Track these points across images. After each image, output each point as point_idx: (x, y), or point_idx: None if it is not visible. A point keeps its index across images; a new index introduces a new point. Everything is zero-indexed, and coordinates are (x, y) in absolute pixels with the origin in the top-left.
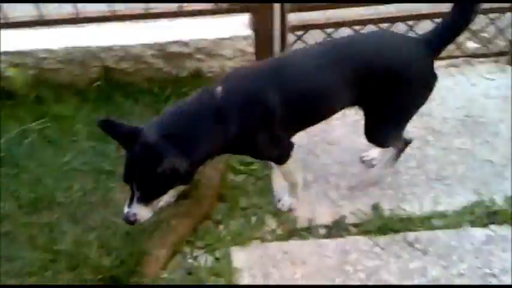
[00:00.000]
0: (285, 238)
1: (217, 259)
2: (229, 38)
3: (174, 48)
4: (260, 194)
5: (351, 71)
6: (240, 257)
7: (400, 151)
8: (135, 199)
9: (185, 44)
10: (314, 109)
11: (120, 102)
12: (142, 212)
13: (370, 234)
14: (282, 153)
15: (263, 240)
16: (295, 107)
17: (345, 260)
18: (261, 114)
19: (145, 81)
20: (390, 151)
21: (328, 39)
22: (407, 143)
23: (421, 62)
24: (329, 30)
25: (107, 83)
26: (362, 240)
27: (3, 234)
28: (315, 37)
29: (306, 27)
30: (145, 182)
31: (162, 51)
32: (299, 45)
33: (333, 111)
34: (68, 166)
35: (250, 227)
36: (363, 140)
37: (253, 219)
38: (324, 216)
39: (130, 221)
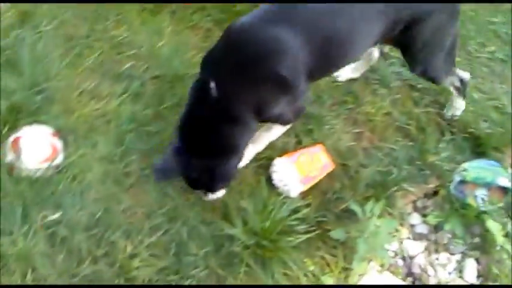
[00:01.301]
0: None
1: None
2: None
3: None
4: None
5: None
6: None
7: (460, 90)
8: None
9: None
10: (344, 48)
11: None
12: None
13: None
14: (296, 112)
15: None
16: (324, 48)
17: None
18: (280, 75)
19: None
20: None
21: None
22: (463, 80)
23: None
24: None
25: None
26: None
27: None
28: None
29: None
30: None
31: None
32: None
33: (366, 47)
34: None
35: None
36: None
37: None
38: None
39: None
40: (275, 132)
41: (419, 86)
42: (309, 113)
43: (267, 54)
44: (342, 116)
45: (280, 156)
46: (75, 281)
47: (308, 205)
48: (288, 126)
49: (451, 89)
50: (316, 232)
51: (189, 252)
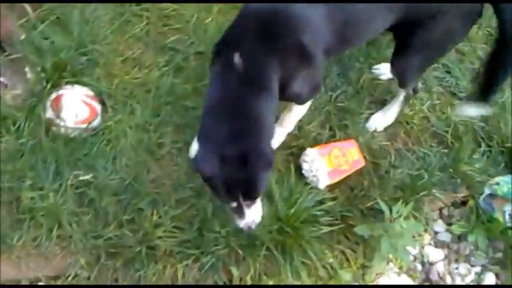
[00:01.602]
0: None
1: None
2: None
3: None
4: None
5: None
6: None
7: (408, 97)
8: (245, 208)
9: None
10: (360, 30)
11: None
12: (257, 214)
13: None
14: (313, 88)
15: None
16: (342, 28)
17: None
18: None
19: None
20: (401, 94)
21: None
22: (416, 91)
23: None
24: None
25: None
26: None
27: None
28: None
29: None
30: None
31: None
32: None
33: (378, 31)
34: None
35: None
36: None
37: None
38: None
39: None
40: (296, 112)
41: (461, 94)
42: (346, 107)
43: (291, 24)
44: None
45: (312, 146)
46: (98, 243)
47: (334, 198)
48: (307, 105)
49: (402, 95)
50: (340, 226)
51: (211, 229)
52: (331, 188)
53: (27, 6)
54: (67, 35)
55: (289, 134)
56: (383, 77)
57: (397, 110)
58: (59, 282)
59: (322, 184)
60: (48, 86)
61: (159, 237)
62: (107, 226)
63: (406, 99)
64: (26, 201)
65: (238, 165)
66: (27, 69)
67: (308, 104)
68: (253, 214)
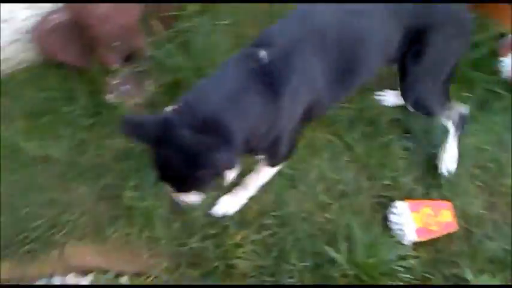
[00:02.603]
0: None
1: None
2: None
3: None
4: None
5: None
6: None
7: (458, 125)
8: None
9: None
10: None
11: None
12: (192, 198)
13: None
14: (290, 148)
15: None
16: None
17: None
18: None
19: None
20: (450, 128)
21: None
22: (463, 116)
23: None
24: None
25: None
26: None
27: None
28: None
29: None
30: (185, 185)
31: None
32: None
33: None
34: None
35: None
36: None
37: None
38: None
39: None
40: (265, 174)
41: None
42: None
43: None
44: (479, 180)
45: (404, 200)
46: (182, 250)
47: (417, 257)
48: (275, 169)
49: (449, 125)
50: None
51: (288, 261)
52: (416, 245)
53: (158, 26)
54: (188, 57)
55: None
56: (387, 104)
57: (454, 144)
58: (141, 280)
59: (408, 240)
60: (165, 99)
61: (238, 257)
62: (192, 236)
63: (460, 124)
64: (126, 199)
65: (184, 156)
66: (148, 82)
67: (277, 168)
68: (188, 197)
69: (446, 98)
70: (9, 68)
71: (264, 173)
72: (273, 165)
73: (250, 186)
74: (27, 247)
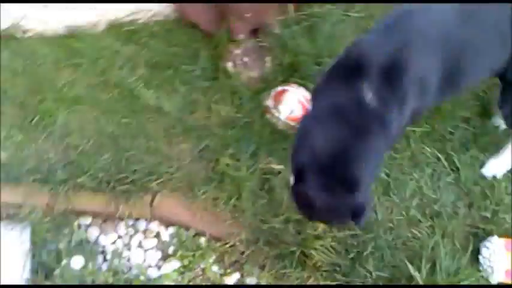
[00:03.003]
0: None
1: None
2: None
3: None
4: None
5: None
6: None
7: None
8: None
9: None
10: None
11: None
12: None
13: None
14: None
15: None
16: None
17: None
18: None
19: None
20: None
21: None
22: None
23: None
24: None
25: None
26: None
27: None
28: None
29: None
30: None
31: None
32: None
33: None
34: None
35: None
36: None
37: None
38: None
39: None
40: None
41: None
42: None
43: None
44: None
45: (501, 236)
46: (263, 227)
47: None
48: None
49: None
50: None
51: (364, 266)
52: (502, 286)
53: (290, 7)
54: (311, 43)
55: None
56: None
57: (510, 154)
58: (218, 244)
59: (495, 279)
60: (280, 78)
61: (315, 249)
62: (276, 216)
63: None
64: (222, 165)
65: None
66: (268, 58)
67: None
68: None
69: None
70: (144, 18)
71: None
72: None
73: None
74: (124, 187)
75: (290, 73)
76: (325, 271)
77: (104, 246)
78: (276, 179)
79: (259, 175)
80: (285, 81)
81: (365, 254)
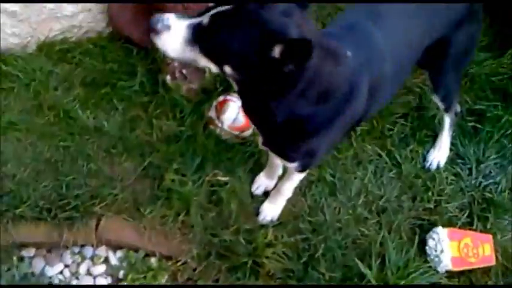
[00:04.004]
0: None
1: None
2: None
3: None
4: None
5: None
6: None
7: (453, 120)
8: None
9: None
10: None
11: None
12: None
13: None
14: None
15: None
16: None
17: None
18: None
19: None
20: (447, 122)
21: None
22: (457, 113)
23: None
24: None
25: None
26: None
27: None
28: None
29: None
30: None
31: None
32: None
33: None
34: None
35: None
36: None
37: None
38: None
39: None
40: (296, 179)
41: None
42: (493, 200)
43: None
44: None
45: (444, 226)
46: (214, 240)
47: (449, 286)
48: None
49: (447, 123)
50: None
51: (317, 268)
52: (450, 274)
53: None
54: None
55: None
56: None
57: (448, 140)
58: (170, 263)
59: (443, 268)
60: (220, 89)
61: (267, 257)
62: (226, 228)
63: (452, 125)
64: (167, 181)
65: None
66: (207, 69)
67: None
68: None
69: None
70: (76, 36)
71: (295, 178)
72: (303, 170)
73: (285, 191)
74: (66, 214)
75: (229, 82)
76: (278, 278)
77: (50, 278)
78: (223, 191)
79: (207, 188)
80: (226, 91)
81: (316, 256)
